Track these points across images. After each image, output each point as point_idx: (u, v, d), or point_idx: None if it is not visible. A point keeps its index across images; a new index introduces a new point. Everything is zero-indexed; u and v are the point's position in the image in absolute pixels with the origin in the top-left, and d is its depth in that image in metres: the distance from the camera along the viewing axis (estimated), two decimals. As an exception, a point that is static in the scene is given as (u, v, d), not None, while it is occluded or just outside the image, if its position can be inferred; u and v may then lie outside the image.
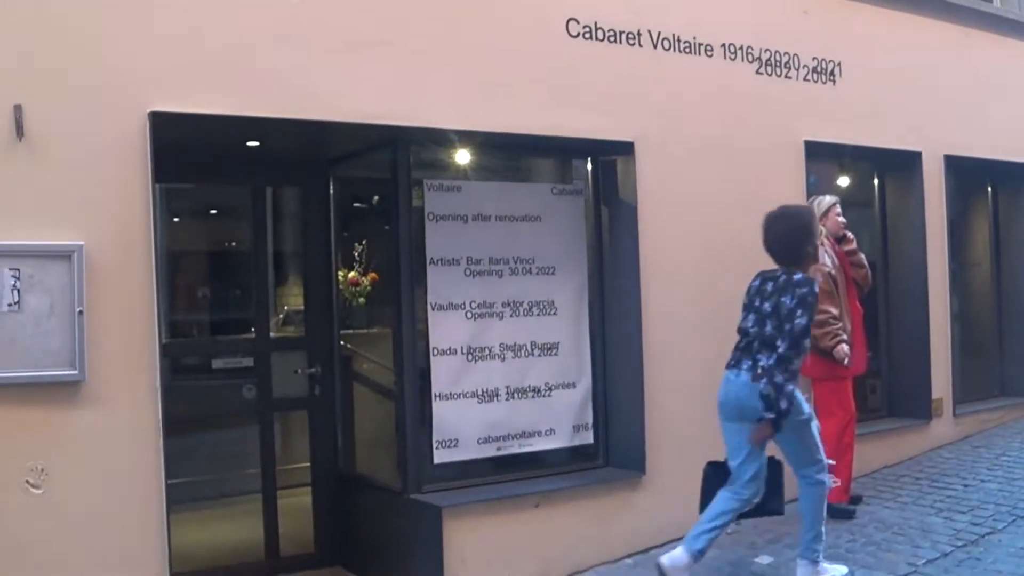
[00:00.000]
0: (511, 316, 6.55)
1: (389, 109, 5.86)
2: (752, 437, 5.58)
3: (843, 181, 8.70)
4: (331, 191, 7.17)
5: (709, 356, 7.02)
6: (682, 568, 5.53)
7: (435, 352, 6.27)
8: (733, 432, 5.72)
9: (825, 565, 5.79)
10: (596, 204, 6.95)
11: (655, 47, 6.95)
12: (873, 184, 8.93)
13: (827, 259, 6.99)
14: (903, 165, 8.67)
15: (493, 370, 6.47)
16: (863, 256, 7.32)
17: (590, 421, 6.84)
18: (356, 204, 7.90)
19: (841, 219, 7.25)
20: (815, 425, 5.91)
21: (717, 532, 5.64)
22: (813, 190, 7.76)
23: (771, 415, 5.38)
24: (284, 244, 7.92)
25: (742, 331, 5.77)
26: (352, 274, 7.66)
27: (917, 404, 8.61)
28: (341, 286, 7.37)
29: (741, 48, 7.39)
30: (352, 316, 7.69)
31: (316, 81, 5.61)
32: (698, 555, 5.57)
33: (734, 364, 5.73)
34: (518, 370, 6.56)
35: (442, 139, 6.35)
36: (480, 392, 6.41)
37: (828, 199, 7.26)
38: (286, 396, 7.02)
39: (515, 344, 6.55)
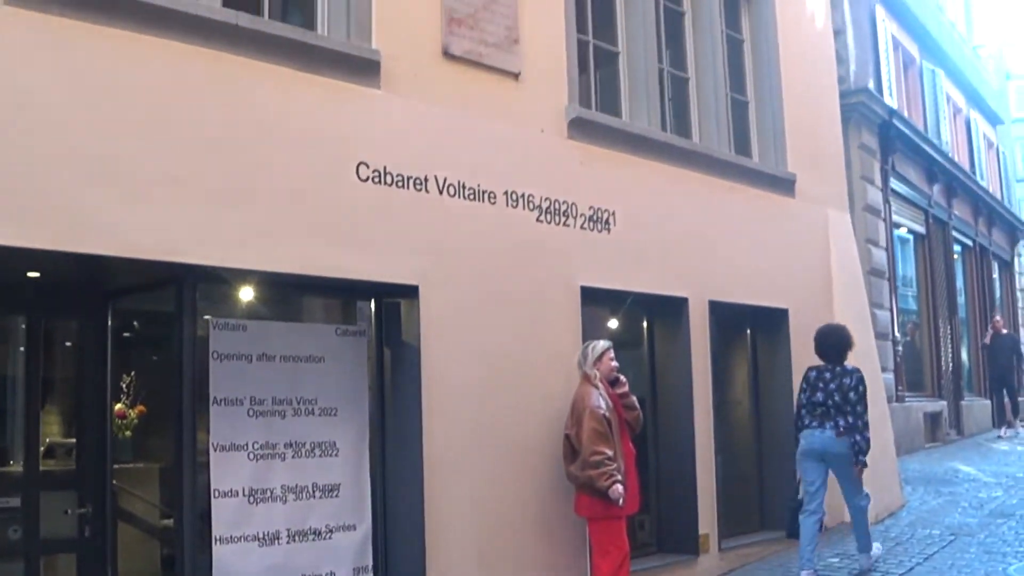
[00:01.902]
0: (293, 457, 6.52)
1: (175, 246, 5.82)
2: (856, 474, 8.44)
3: (617, 323, 9.09)
4: (110, 323, 7.02)
5: (492, 494, 7.20)
6: None
7: (216, 494, 6.15)
8: (814, 469, 8.49)
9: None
10: (379, 345, 7.05)
11: (441, 192, 7.17)
12: (643, 327, 9.36)
13: (601, 402, 7.26)
14: (671, 310, 9.14)
15: (275, 512, 6.38)
16: (635, 398, 7.64)
17: (370, 563, 6.81)
18: (137, 337, 7.76)
19: (614, 363, 7.56)
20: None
21: (814, 547, 8.38)
22: (589, 332, 8.08)
23: (863, 459, 8.31)
24: (55, 374, 7.66)
25: (815, 403, 8.48)
26: (119, 406, 7.48)
27: (685, 539, 8.93)
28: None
29: (523, 196, 7.71)
30: (120, 450, 7.48)
31: (100, 214, 5.53)
32: (815, 569, 8.35)
33: (818, 425, 8.45)
34: (300, 512, 6.49)
35: (228, 278, 6.35)
36: (261, 535, 6.30)
37: (602, 344, 7.56)
38: (54, 537, 6.73)
39: (297, 486, 6.50)
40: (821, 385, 8.50)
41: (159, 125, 5.82)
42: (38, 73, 5.40)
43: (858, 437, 8.30)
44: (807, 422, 8.54)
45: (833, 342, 8.69)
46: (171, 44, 5.93)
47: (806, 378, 8.70)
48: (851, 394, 8.33)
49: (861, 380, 8.45)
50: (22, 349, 6.95)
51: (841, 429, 8.31)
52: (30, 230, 5.29)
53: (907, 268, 19.53)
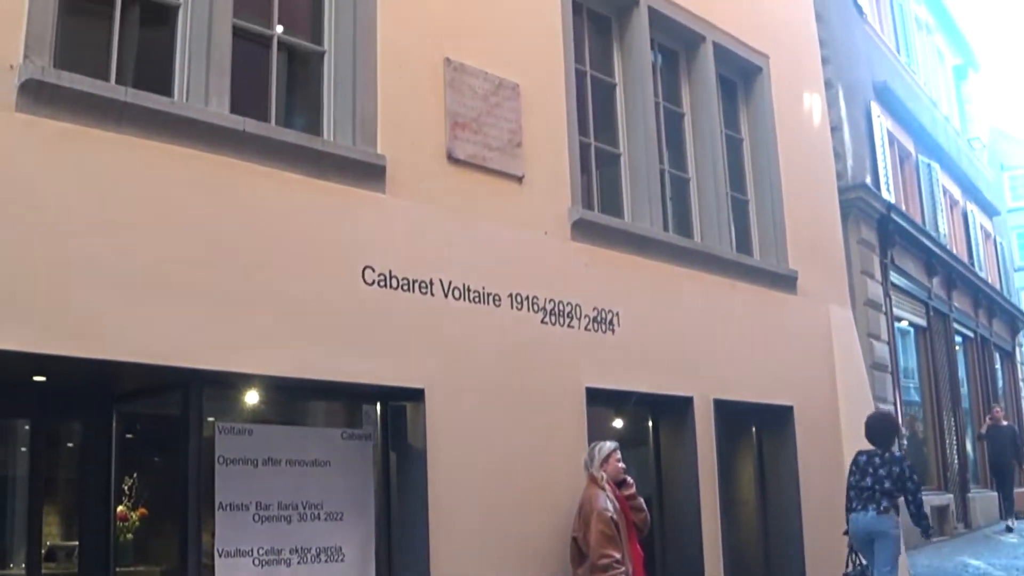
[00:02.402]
0: (299, 563, 6.45)
1: (181, 350, 5.84)
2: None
3: (622, 423, 9.10)
4: (114, 426, 7.01)
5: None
6: None
7: (221, 602, 6.12)
8: (869, 552, 8.85)
9: None
10: (385, 449, 7.03)
11: (446, 296, 7.22)
12: (648, 426, 9.33)
13: (608, 504, 7.23)
14: (676, 409, 9.12)
15: (279, 620, 6.33)
16: (642, 500, 7.61)
17: (376, 670, 6.73)
18: (141, 439, 7.73)
19: (621, 464, 7.54)
20: (900, 549, 9.01)
21: None
22: (595, 432, 8.07)
23: (927, 535, 9.23)
24: (58, 475, 7.63)
25: (863, 487, 8.87)
26: (120, 508, 7.42)
27: (695, 641, 8.82)
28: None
29: (527, 298, 7.75)
30: (121, 553, 7.40)
31: (106, 319, 5.56)
32: None
33: (861, 508, 8.84)
34: (304, 620, 6.44)
35: (234, 382, 6.36)
36: (266, 644, 6.25)
37: (608, 445, 7.55)
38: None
39: (302, 592, 6.45)
40: (871, 470, 8.92)
41: (165, 230, 5.89)
42: (45, 178, 5.47)
43: (924, 522, 9.01)
44: (854, 505, 8.98)
45: (883, 428, 9.26)
46: (178, 149, 6.03)
47: (855, 462, 9.14)
48: (908, 483, 8.82)
49: (913, 468, 9.03)
50: (24, 449, 6.92)
51: (882, 508, 8.73)
52: (36, 335, 5.31)
53: (909, 360, 19.53)
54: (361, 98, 7.13)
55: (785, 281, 10.83)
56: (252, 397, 6.69)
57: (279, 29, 7.15)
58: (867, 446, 9.17)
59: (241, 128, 6.36)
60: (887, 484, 8.80)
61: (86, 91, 5.68)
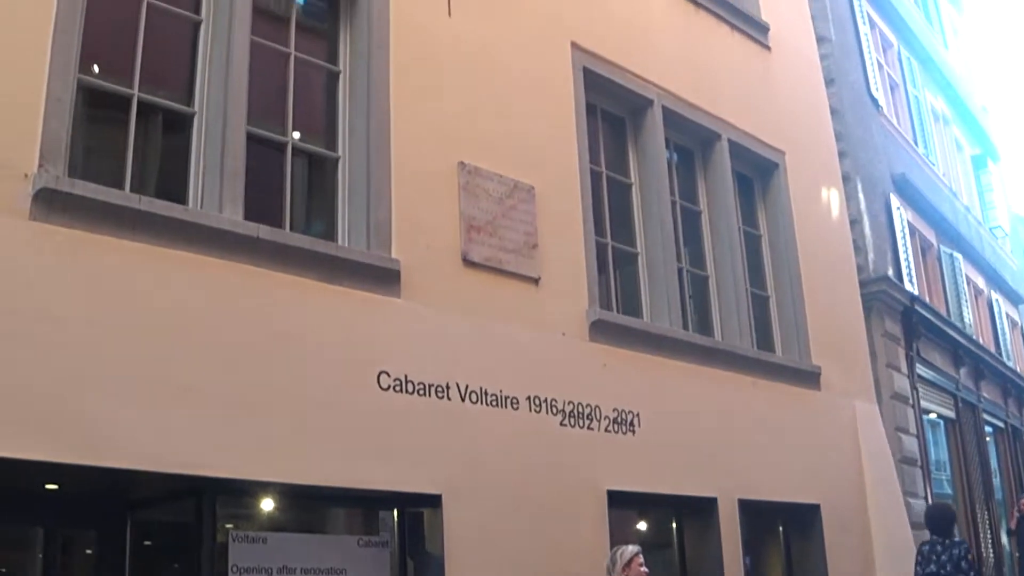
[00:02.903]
0: (313, 676, 6.34)
1: (195, 458, 5.80)
2: None
3: (645, 526, 8.96)
4: (128, 533, 6.93)
5: None
6: None
7: None
8: None
9: None
10: (402, 556, 6.91)
11: (463, 400, 7.17)
12: (672, 528, 9.17)
13: (631, 610, 7.07)
14: (700, 510, 8.97)
15: None
16: (665, 605, 7.45)
17: None
18: (157, 547, 7.64)
19: (644, 568, 7.37)
20: None
21: None
22: (617, 536, 7.92)
23: None
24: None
25: (929, 574, 9.02)
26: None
27: None
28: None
29: (545, 401, 7.69)
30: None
31: (119, 427, 5.53)
32: None
33: None
34: None
35: (249, 490, 6.29)
36: None
37: (631, 549, 7.38)
38: None
39: None
40: (934, 557, 9.16)
41: (179, 337, 5.89)
42: (59, 285, 5.50)
43: None
44: None
45: (940, 517, 9.62)
46: (192, 257, 6.07)
47: (920, 552, 9.39)
48: (962, 563, 9.02)
49: (969, 550, 9.35)
50: (40, 556, 6.84)
51: None
52: (49, 444, 5.30)
53: (940, 453, 19.21)
54: (375, 203, 7.17)
55: (808, 377, 10.73)
56: (267, 504, 6.61)
57: (295, 136, 7.22)
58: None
59: (255, 234, 6.39)
60: (949, 568, 9.01)
61: (100, 199, 5.74)
